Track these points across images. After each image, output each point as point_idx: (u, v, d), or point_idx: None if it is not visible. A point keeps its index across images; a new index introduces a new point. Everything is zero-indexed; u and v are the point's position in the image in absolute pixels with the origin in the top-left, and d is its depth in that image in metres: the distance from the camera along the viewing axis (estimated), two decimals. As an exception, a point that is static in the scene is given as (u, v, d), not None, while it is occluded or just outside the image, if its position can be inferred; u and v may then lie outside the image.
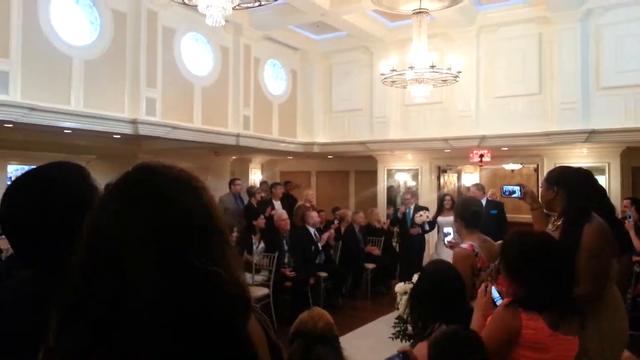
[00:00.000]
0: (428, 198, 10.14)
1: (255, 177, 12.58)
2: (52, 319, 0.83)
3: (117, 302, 0.78)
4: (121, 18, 7.24)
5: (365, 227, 9.04)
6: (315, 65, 10.84)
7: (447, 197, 7.88)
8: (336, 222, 8.94)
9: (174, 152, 9.46)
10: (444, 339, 1.87)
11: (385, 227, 9.25)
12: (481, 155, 8.89)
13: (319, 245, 7.65)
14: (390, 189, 10.94)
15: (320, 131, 10.85)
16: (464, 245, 3.24)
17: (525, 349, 1.96)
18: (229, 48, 9.04)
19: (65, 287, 0.84)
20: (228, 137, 8.89)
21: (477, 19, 8.89)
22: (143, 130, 7.33)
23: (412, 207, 8.27)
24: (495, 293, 2.23)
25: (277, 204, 8.90)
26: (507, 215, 7.78)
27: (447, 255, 5.63)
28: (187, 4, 4.62)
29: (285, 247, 7.26)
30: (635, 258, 5.52)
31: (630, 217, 5.86)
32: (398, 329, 3.64)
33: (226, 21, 5.11)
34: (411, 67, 6.85)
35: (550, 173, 2.98)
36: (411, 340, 3.25)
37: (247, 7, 4.94)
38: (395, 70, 7.00)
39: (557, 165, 3.49)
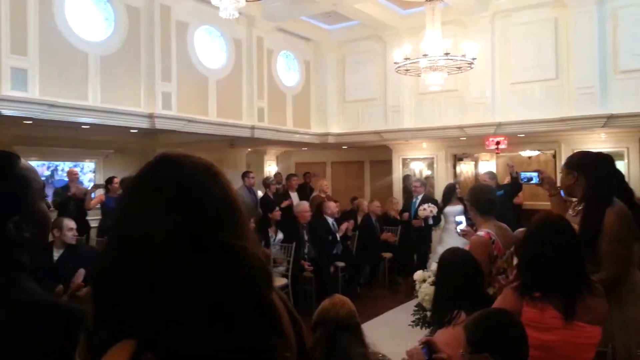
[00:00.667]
0: (444, 186, 10.07)
1: (270, 168, 12.61)
2: (89, 304, 0.89)
3: (153, 280, 0.83)
4: (135, 13, 7.30)
5: (382, 217, 9.03)
6: (328, 56, 10.81)
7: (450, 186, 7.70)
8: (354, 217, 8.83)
9: (189, 146, 9.52)
10: (483, 320, 1.85)
11: (397, 216, 9.11)
12: (497, 143, 8.81)
13: (337, 235, 7.66)
14: (405, 178, 10.90)
15: (335, 121, 10.84)
16: (481, 233, 3.25)
17: (527, 328, 1.97)
18: (241, 40, 9.06)
19: (98, 273, 0.91)
20: (243, 130, 8.94)
21: (491, 5, 8.77)
22: (160, 124, 7.40)
23: (420, 197, 7.98)
24: None
25: (294, 195, 8.94)
26: (526, 202, 7.71)
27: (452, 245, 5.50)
28: (201, -2, 4.64)
29: (306, 238, 7.30)
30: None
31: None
32: (417, 316, 3.66)
33: (239, 13, 5.12)
34: (425, 55, 6.80)
35: (570, 158, 2.96)
36: (430, 328, 3.27)
37: (260, -1, 4.95)
38: (408, 59, 6.95)
39: (576, 151, 3.46)
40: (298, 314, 1.07)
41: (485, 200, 3.33)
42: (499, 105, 8.90)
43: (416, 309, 3.71)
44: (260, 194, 8.73)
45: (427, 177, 10.55)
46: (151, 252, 0.84)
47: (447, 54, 6.68)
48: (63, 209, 6.61)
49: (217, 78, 8.64)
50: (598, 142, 8.64)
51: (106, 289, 0.87)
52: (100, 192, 7.67)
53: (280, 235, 7.37)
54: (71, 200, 7.09)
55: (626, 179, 3.34)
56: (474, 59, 6.82)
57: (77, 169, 8.32)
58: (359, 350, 1.97)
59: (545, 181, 3.21)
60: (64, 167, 8.67)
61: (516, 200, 8.65)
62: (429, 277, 3.57)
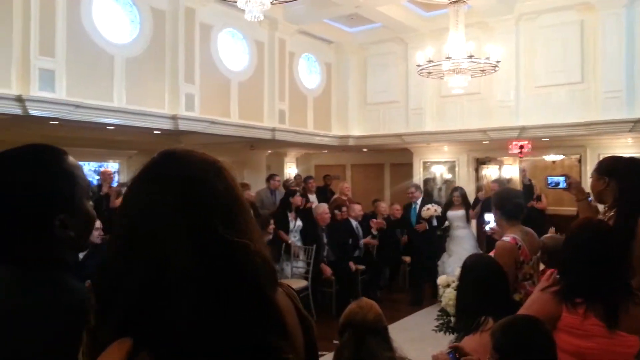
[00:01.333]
0: (466, 190, 9.97)
1: (290, 170, 12.65)
2: (91, 299, 0.90)
3: (155, 275, 0.83)
4: (160, 16, 7.38)
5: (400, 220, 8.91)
6: (350, 58, 10.79)
7: (456, 193, 7.59)
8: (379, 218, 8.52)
9: (211, 147, 9.57)
10: (510, 326, 1.83)
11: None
12: (521, 147, 8.69)
13: (360, 241, 7.61)
14: (426, 181, 10.82)
15: (355, 124, 10.81)
16: (507, 239, 3.19)
17: (564, 334, 1.93)
18: (264, 43, 9.11)
19: (102, 267, 0.91)
20: (264, 132, 8.97)
21: (516, 7, 8.67)
22: (183, 126, 7.47)
23: (419, 201, 7.71)
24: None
25: (313, 197, 8.94)
26: (550, 207, 7.58)
27: (460, 256, 5.33)
28: (226, 0, 4.67)
29: (325, 240, 7.28)
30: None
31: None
32: (441, 321, 3.61)
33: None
34: (448, 58, 6.75)
35: (601, 163, 2.91)
36: (455, 334, 3.23)
37: (285, 2, 4.96)
38: (431, 61, 6.90)
39: (603, 157, 3.39)
40: (316, 314, 1.05)
41: (512, 204, 3.27)
42: (523, 108, 8.79)
43: (440, 314, 3.67)
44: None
45: (446, 181, 10.45)
46: (154, 248, 0.84)
47: (470, 56, 6.61)
48: (96, 209, 6.67)
49: (239, 80, 8.70)
50: (625, 147, 8.48)
51: (109, 285, 0.87)
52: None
53: (299, 222, 7.30)
54: (104, 200, 7.19)
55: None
56: (498, 61, 6.74)
57: (111, 169, 8.38)
58: (387, 354, 1.96)
59: (572, 186, 3.16)
60: (89, 167, 8.79)
61: (539, 205, 8.51)
62: (453, 282, 3.52)
